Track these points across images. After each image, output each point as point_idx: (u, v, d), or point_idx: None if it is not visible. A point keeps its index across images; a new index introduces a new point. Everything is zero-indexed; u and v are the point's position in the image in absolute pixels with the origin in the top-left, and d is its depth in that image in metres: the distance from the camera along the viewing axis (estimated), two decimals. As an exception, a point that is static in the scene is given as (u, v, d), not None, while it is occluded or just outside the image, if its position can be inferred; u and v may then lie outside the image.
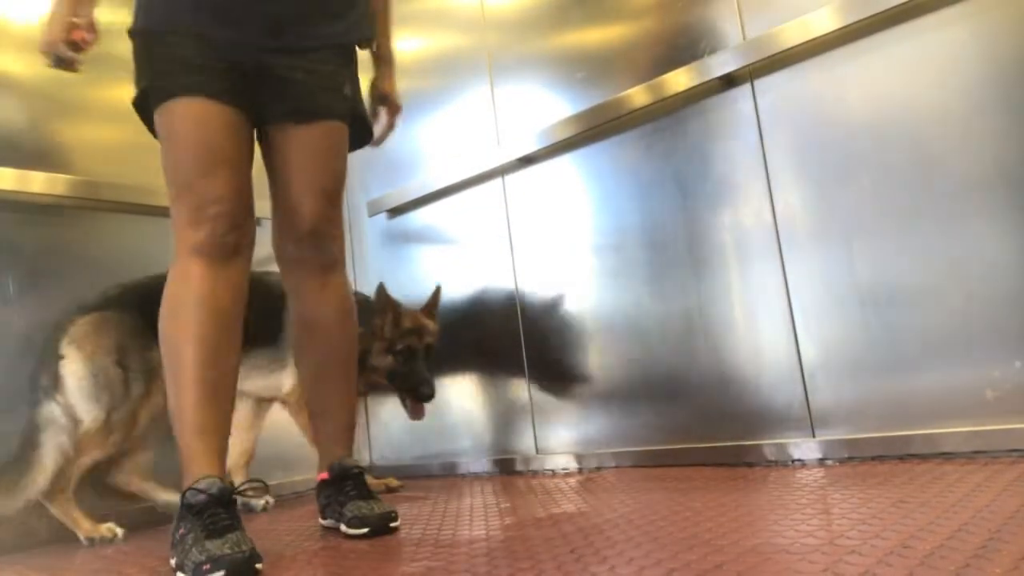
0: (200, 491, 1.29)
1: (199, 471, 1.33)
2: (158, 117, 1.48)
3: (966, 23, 1.54)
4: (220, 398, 1.43)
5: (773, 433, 1.78)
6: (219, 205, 1.45)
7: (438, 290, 2.29)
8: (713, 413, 1.88)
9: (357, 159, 2.26)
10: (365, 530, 1.47)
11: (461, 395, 2.45)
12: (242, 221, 1.49)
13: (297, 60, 1.53)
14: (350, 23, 1.62)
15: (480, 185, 2.42)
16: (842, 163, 1.69)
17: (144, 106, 1.50)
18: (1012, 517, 0.97)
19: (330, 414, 1.65)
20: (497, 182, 2.40)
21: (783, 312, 1.77)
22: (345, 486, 1.55)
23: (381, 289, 2.15)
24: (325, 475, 1.60)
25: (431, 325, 2.21)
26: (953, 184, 1.55)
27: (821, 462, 1.67)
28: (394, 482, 2.22)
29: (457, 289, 2.45)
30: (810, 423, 1.72)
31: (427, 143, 2.65)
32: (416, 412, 2.17)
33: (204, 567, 1.18)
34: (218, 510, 1.28)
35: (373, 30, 1.72)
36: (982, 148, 1.52)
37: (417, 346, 2.14)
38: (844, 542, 0.94)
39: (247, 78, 1.49)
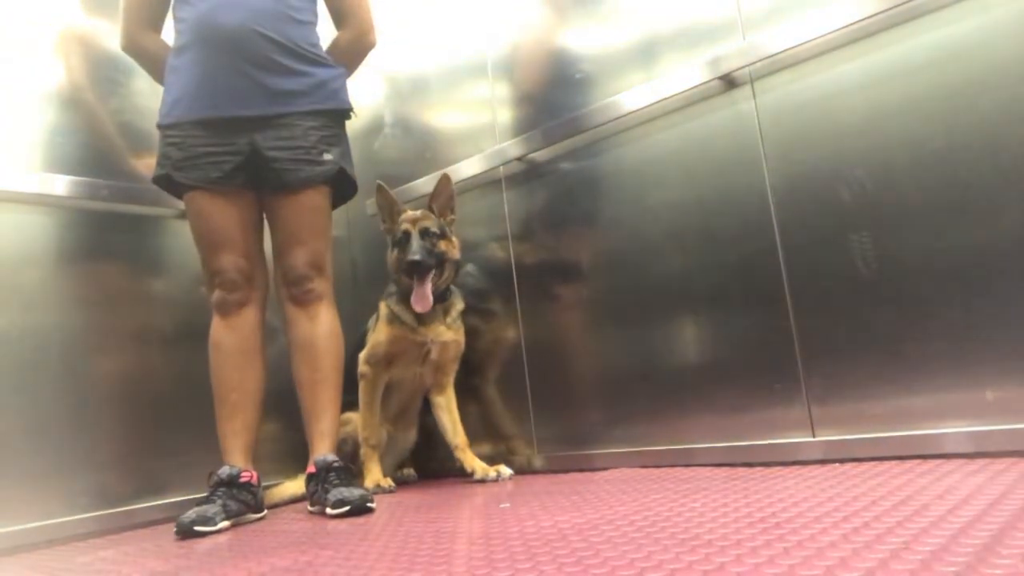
0: (218, 475, 1.80)
1: (224, 461, 1.86)
2: (184, 202, 1.94)
3: (966, 23, 1.54)
4: (241, 411, 1.90)
5: (773, 433, 1.78)
6: (221, 276, 1.91)
7: (442, 179, 2.25)
8: (713, 413, 1.88)
9: (358, 159, 2.27)
10: (346, 508, 1.70)
11: (460, 396, 2.45)
12: (243, 284, 1.92)
13: (281, 133, 1.89)
14: (327, 93, 1.98)
15: (479, 185, 2.42)
16: (842, 163, 1.69)
17: (160, 183, 1.94)
18: (1013, 518, 0.97)
19: (318, 417, 1.95)
20: (497, 182, 2.40)
21: (783, 311, 1.77)
22: (329, 476, 1.83)
23: (380, 189, 2.25)
24: (312, 469, 1.87)
25: (426, 214, 2.21)
26: (952, 183, 1.55)
27: (821, 462, 1.67)
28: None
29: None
30: (810, 423, 1.72)
31: (427, 143, 2.65)
32: (416, 298, 2.10)
33: (180, 518, 1.67)
34: (222, 489, 1.77)
35: (349, 100, 2.07)
36: (981, 148, 1.52)
37: (411, 230, 2.16)
38: (845, 543, 0.94)
39: (243, 164, 1.87)
